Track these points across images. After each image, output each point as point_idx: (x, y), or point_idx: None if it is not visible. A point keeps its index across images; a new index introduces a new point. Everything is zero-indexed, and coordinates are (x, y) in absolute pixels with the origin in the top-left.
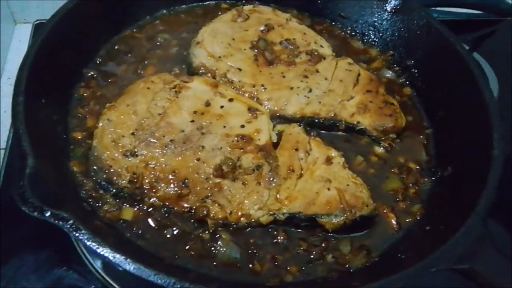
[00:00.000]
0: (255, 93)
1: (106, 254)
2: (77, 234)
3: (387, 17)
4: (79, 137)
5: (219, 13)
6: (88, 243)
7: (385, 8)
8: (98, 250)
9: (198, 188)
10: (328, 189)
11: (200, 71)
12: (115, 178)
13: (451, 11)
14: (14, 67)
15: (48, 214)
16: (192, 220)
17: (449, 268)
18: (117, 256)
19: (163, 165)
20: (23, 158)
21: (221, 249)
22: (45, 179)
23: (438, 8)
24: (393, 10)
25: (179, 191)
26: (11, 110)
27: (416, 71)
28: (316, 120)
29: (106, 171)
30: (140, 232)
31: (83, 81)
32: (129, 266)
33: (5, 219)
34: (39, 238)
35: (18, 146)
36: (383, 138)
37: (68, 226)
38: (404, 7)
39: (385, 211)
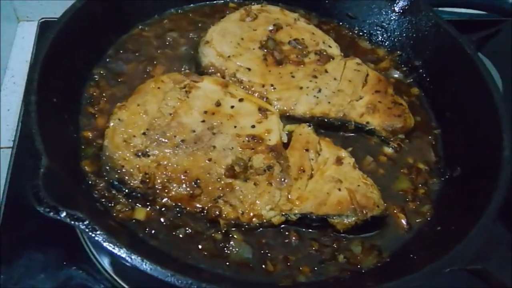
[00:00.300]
0: (265, 93)
1: (123, 255)
2: (93, 235)
3: (395, 18)
4: (90, 136)
5: (227, 12)
6: (105, 244)
7: (393, 8)
8: (115, 251)
9: (210, 188)
10: (339, 189)
11: (210, 70)
12: (127, 178)
13: (454, 11)
14: (17, 65)
15: (63, 214)
16: (204, 220)
17: (462, 269)
18: (134, 257)
19: (175, 165)
20: (36, 157)
21: (234, 249)
22: (59, 179)
23: (441, 8)
24: (401, 11)
25: (191, 191)
26: (24, 109)
27: (423, 71)
28: (326, 120)
29: (118, 171)
30: (153, 232)
31: (93, 80)
32: (146, 266)
33: (13, 217)
34: (47, 236)
35: (32, 145)
36: (392, 139)
37: (84, 226)
38: (412, 8)
39: (395, 211)
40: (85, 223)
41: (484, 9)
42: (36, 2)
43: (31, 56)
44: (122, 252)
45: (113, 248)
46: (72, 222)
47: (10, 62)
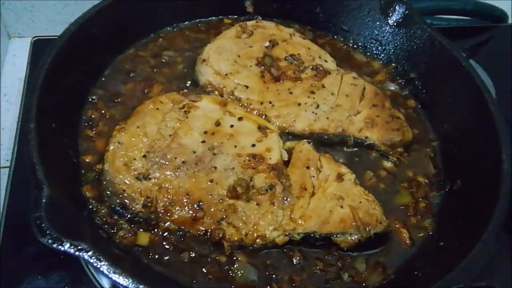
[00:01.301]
0: (263, 110)
1: (130, 286)
2: (98, 266)
3: (389, 30)
4: (90, 160)
5: (222, 28)
6: (110, 275)
7: (387, 21)
8: (121, 281)
9: (212, 210)
10: (341, 206)
11: (207, 89)
12: (129, 202)
13: (446, 18)
14: (10, 83)
15: (67, 246)
16: (208, 243)
17: (468, 286)
18: (141, 287)
19: (177, 188)
20: (37, 186)
21: (238, 272)
22: (61, 208)
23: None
24: (395, 24)
25: (194, 214)
26: (22, 137)
27: (419, 83)
28: (325, 136)
29: (120, 195)
30: (156, 257)
31: (91, 102)
32: None
33: (12, 240)
34: (48, 260)
35: (31, 173)
36: (391, 152)
37: (88, 257)
38: (406, 21)
39: (397, 226)
40: (89, 253)
41: (474, 16)
42: (28, 19)
43: (25, 74)
44: (129, 283)
45: (119, 278)
46: (76, 253)
47: (2, 80)
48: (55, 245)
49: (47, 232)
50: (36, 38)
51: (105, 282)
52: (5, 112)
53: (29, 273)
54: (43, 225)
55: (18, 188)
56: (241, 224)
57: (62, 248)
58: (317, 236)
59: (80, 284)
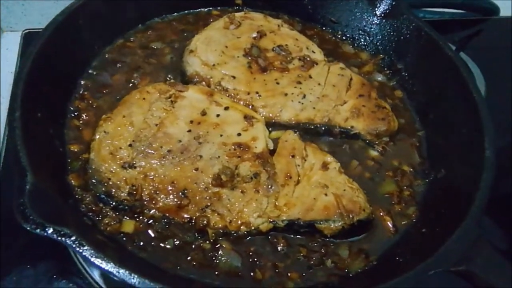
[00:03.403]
0: (250, 101)
1: (111, 270)
2: (80, 250)
3: (376, 22)
4: (76, 150)
5: (211, 20)
6: (92, 259)
7: (374, 12)
8: (102, 266)
9: (197, 198)
10: (326, 194)
11: (195, 79)
12: (114, 190)
13: (436, 11)
14: (2, 77)
15: (50, 231)
16: (192, 230)
17: (446, 270)
18: (122, 271)
19: (162, 176)
20: (22, 174)
21: (222, 258)
22: (45, 195)
23: (423, 9)
24: (383, 15)
25: (178, 202)
26: (8, 126)
27: (406, 74)
28: (311, 126)
29: (105, 184)
30: (141, 244)
31: (78, 92)
32: (134, 280)
33: (2, 232)
34: (37, 251)
35: (16, 162)
36: (376, 142)
37: (71, 242)
38: (393, 12)
39: (381, 214)
40: (72, 238)
41: (465, 9)
42: (20, 12)
43: (16, 68)
44: (110, 267)
45: (101, 263)
46: (59, 238)
47: None
48: (38, 230)
49: (30, 217)
50: (26, 31)
51: (95, 272)
52: None
53: (18, 262)
54: (26, 211)
55: (7, 181)
56: (225, 211)
57: (45, 233)
58: (301, 223)
59: (69, 274)
